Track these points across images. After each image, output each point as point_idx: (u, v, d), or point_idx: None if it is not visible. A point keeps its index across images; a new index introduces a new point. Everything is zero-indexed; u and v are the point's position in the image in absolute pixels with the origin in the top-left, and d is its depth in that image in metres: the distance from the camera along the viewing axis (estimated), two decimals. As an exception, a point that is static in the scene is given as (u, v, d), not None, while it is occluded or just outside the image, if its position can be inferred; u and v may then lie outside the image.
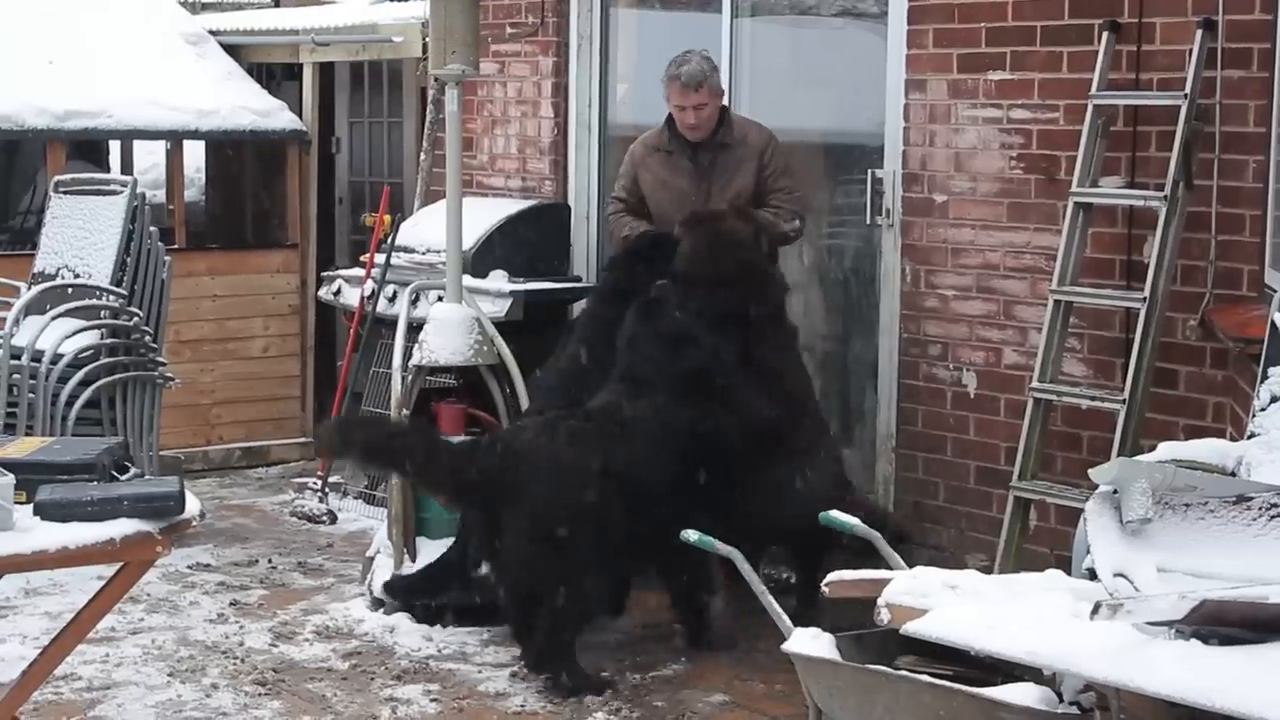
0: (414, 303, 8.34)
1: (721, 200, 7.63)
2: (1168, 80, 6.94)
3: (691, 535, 5.65)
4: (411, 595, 7.39)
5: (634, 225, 7.89)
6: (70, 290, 8.74)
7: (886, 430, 8.09)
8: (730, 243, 7.31)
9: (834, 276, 8.50)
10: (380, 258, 9.34)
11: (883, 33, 8.04)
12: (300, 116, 10.96)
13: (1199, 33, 6.74)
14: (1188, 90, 6.74)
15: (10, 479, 5.05)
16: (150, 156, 12.97)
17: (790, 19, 8.95)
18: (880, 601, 4.81)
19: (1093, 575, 4.77)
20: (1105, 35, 7.07)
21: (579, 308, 9.27)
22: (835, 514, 5.55)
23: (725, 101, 8.00)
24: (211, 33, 11.34)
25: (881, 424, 8.13)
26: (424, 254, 9.13)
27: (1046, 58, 7.38)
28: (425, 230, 9.21)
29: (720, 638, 7.14)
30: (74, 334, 8.45)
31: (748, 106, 8.59)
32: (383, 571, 7.53)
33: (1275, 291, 5.93)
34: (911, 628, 4.54)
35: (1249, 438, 5.50)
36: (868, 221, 8.11)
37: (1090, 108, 7.07)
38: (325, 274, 10.17)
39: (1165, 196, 6.76)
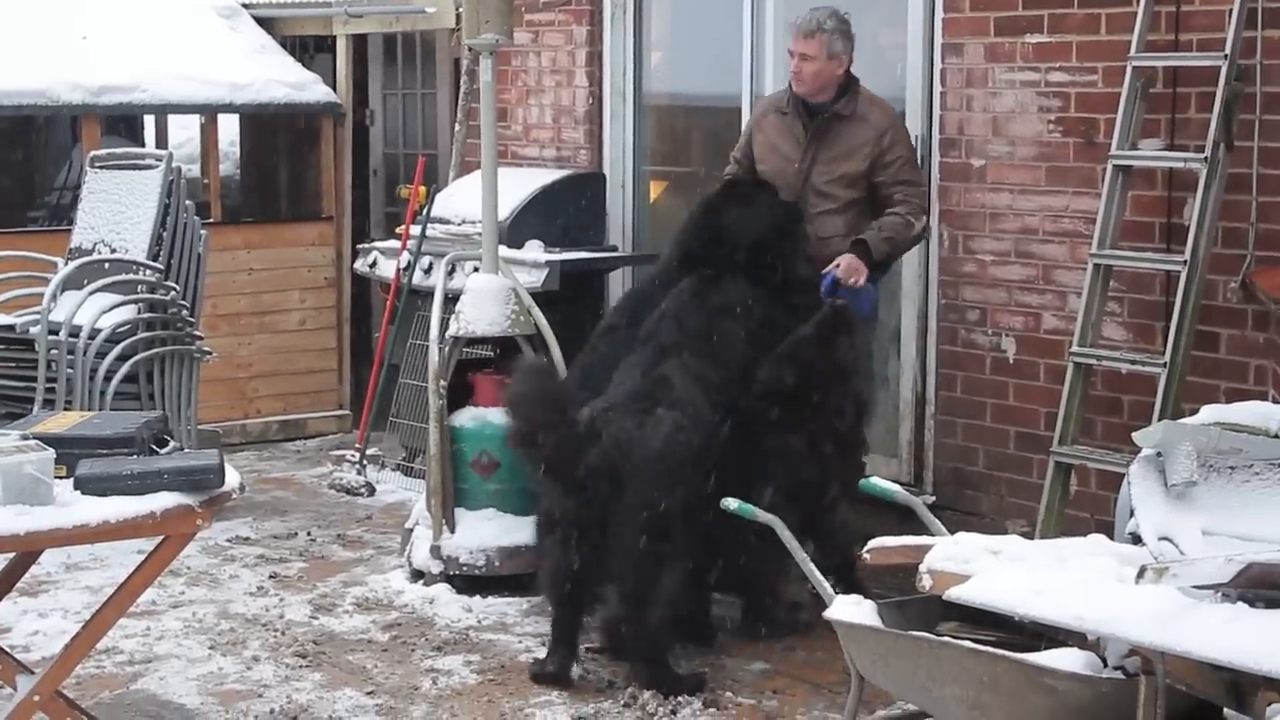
0: (450, 274, 8.32)
1: (826, 175, 7.29)
2: (1207, 41, 6.88)
3: (731, 503, 5.64)
4: None
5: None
6: (107, 265, 8.75)
7: (911, 395, 8.07)
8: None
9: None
10: (415, 229, 9.33)
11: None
12: (334, 89, 10.94)
13: (1239, -8, 6.68)
14: (1228, 51, 6.67)
15: (50, 453, 5.06)
16: (184, 131, 12.98)
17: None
18: (922, 568, 4.80)
19: (1137, 539, 4.76)
20: (1144, -4, 7.01)
21: (615, 278, 9.29)
22: (876, 481, 5.54)
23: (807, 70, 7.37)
24: (244, 5, 11.32)
25: (905, 389, 8.11)
26: (459, 225, 9.12)
27: (1084, 19, 7.32)
28: (460, 201, 9.20)
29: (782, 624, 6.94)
30: (111, 309, 8.46)
31: (770, 73, 8.58)
32: (421, 543, 7.53)
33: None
34: (954, 593, 4.53)
35: (1292, 399, 5.47)
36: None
37: (1129, 69, 7.01)
38: (361, 246, 10.17)
39: (1205, 158, 6.70)
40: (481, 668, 6.62)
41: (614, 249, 9.35)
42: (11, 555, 5.69)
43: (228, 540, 8.37)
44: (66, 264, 8.85)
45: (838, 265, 7.08)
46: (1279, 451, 4.73)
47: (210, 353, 8.97)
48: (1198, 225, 6.72)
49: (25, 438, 5.22)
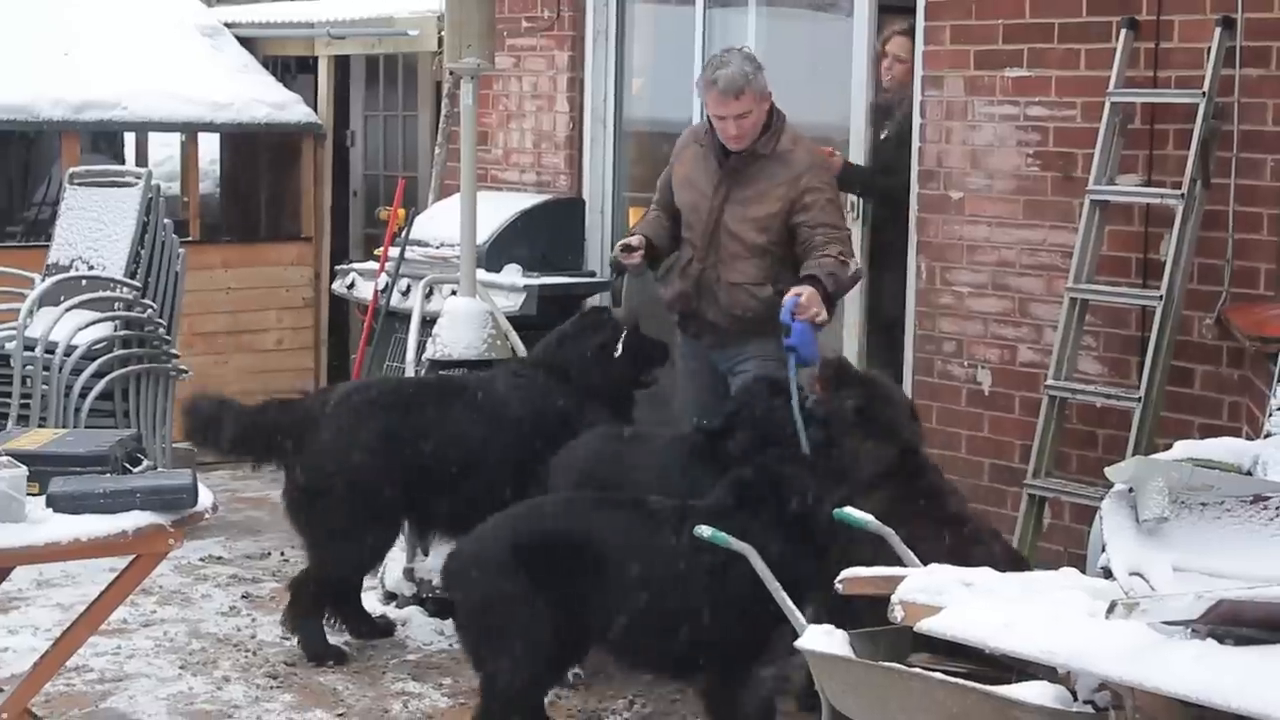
0: (428, 297, 8.32)
1: (738, 215, 6.85)
2: (1186, 78, 6.91)
3: (705, 531, 5.61)
4: None
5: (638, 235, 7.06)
6: (84, 282, 8.74)
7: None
8: None
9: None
10: (394, 251, 9.33)
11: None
12: (315, 109, 10.97)
13: (1218, 30, 6.71)
14: (1206, 88, 6.71)
15: (23, 470, 5.05)
16: (165, 149, 12.99)
17: (769, 10, 8.94)
18: (894, 599, 4.79)
19: (1108, 574, 4.75)
20: (1123, 32, 7.03)
21: (593, 303, 9.28)
22: (849, 510, 5.52)
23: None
24: (227, 25, 11.35)
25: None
26: (438, 248, 9.12)
27: (1064, 55, 7.35)
28: (439, 224, 9.20)
29: None
30: (88, 326, 8.45)
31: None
32: (395, 566, 7.52)
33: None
34: (926, 625, 4.52)
35: (1265, 437, 5.47)
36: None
37: (1107, 105, 7.04)
38: (339, 267, 10.17)
39: (1182, 194, 6.73)
40: (453, 691, 6.61)
41: (592, 274, 9.35)
42: (-18, 571, 5.68)
43: (200, 559, 8.36)
44: (44, 280, 8.84)
45: (799, 293, 6.44)
46: (1251, 488, 4.74)
47: (186, 371, 8.96)
48: (1174, 261, 6.75)
49: (-2, 454, 5.22)
